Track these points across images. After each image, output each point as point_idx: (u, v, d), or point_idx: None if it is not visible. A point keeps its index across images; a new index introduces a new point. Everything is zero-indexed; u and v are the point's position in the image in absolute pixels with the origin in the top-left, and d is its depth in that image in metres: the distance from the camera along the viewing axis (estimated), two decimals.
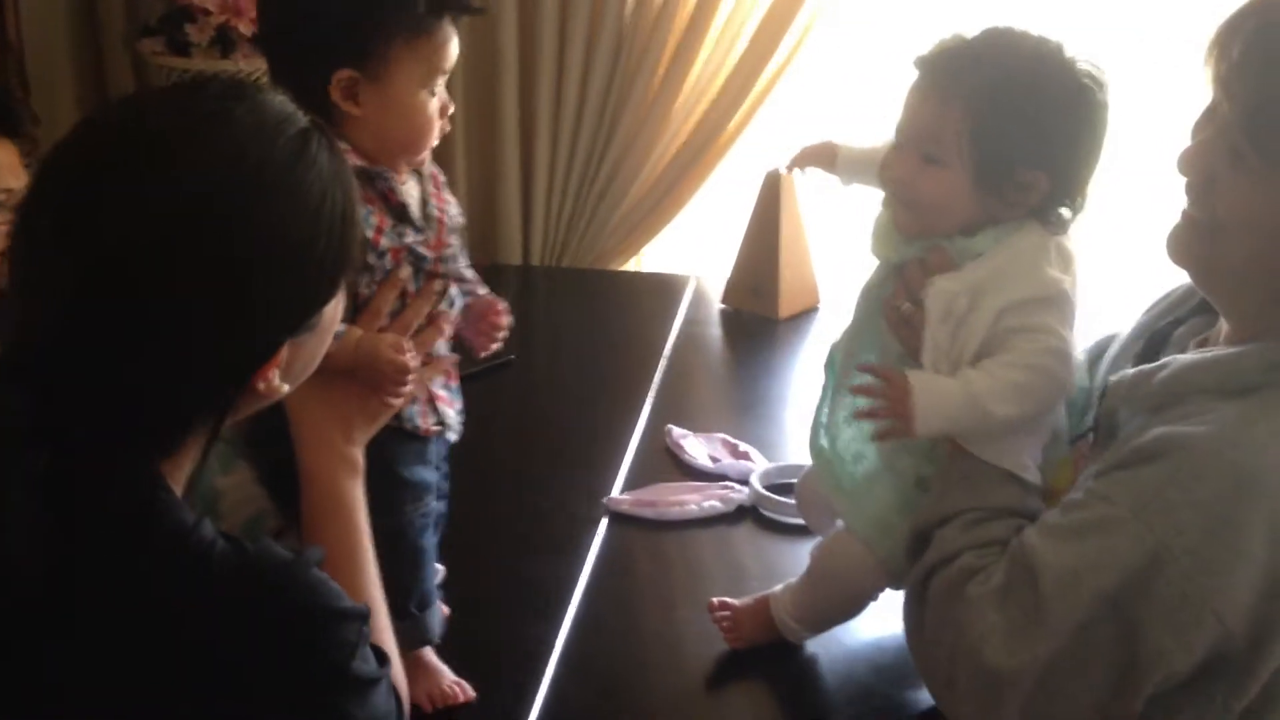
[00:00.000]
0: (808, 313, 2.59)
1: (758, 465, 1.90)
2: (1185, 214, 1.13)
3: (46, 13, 2.75)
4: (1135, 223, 2.09)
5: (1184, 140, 1.12)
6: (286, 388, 0.97)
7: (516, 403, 2.21)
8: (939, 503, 1.25)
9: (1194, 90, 1.10)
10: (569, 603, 1.59)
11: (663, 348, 2.40)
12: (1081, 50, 1.23)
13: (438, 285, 1.28)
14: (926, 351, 1.26)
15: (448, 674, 1.39)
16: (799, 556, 1.53)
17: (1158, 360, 1.24)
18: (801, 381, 2.30)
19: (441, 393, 1.35)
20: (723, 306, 2.62)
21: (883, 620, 1.50)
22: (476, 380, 2.16)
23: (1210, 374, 1.08)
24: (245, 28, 2.53)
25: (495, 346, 1.45)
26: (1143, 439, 1.07)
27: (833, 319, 2.54)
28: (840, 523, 1.44)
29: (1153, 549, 1.02)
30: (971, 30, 1.25)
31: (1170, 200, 1.15)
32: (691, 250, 3.01)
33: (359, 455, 1.24)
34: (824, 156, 1.47)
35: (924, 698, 1.36)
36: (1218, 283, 1.14)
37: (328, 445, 1.23)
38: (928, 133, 1.24)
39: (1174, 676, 1.03)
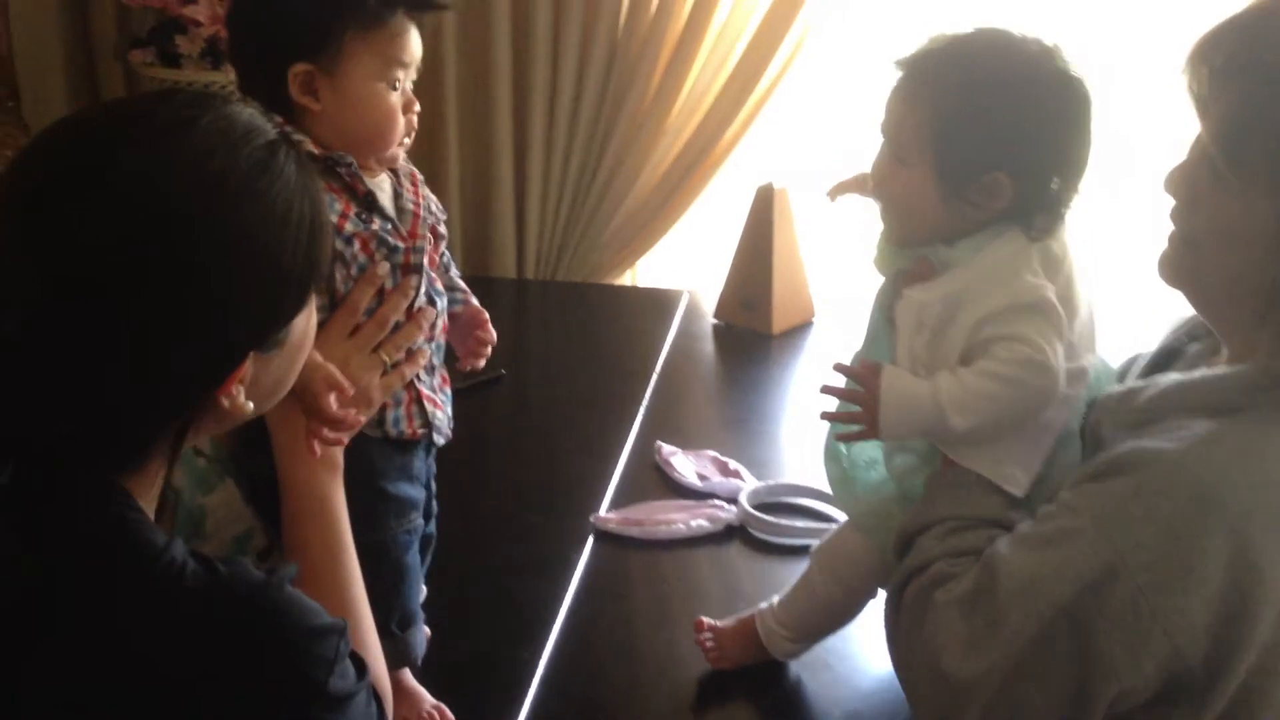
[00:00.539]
0: (801, 327, 2.57)
1: (747, 484, 1.88)
2: (1171, 236, 1.12)
3: (37, 22, 2.73)
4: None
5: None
6: (251, 406, 0.95)
7: (506, 418, 2.19)
8: (924, 509, 1.23)
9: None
10: (553, 623, 1.57)
11: (655, 363, 2.39)
12: (1070, 52, 1.20)
13: (414, 281, 1.27)
14: (903, 363, 1.24)
15: (427, 698, 1.37)
16: (787, 576, 1.51)
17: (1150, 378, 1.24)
18: (794, 398, 2.28)
19: (428, 392, 1.32)
20: (716, 321, 2.60)
21: (869, 644, 1.48)
22: (467, 395, 2.15)
23: (1192, 393, 1.07)
24: None
25: (480, 362, 1.44)
26: (1115, 452, 1.06)
27: (827, 333, 2.53)
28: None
29: (1109, 561, 1.01)
30: (959, 31, 1.23)
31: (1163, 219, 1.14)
32: (687, 264, 3.00)
33: (338, 454, 1.22)
34: (862, 185, 1.45)
35: None
36: (1207, 303, 1.13)
37: (305, 444, 1.21)
38: (896, 133, 1.24)
39: (1130, 695, 1.02)
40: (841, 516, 1.45)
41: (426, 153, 2.91)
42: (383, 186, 1.27)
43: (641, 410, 2.18)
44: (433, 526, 1.43)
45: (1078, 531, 1.03)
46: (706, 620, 1.49)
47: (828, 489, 1.45)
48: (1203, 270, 1.09)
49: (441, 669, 1.40)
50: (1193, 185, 1.08)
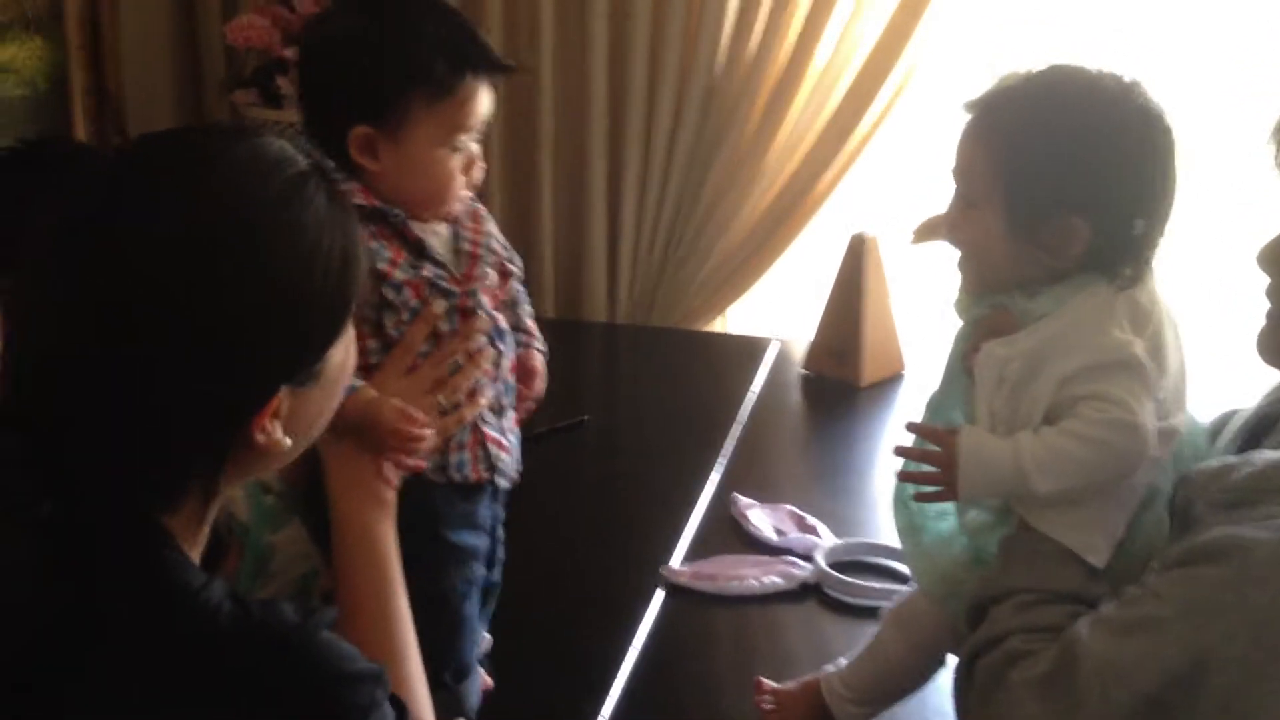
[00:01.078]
0: (891, 380, 2.51)
1: (824, 541, 1.83)
2: (1270, 313, 1.06)
3: (148, 62, 2.82)
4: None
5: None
6: (289, 442, 0.94)
7: (584, 463, 2.17)
8: (999, 576, 1.18)
9: None
10: (616, 677, 1.53)
11: (738, 412, 2.34)
12: (1150, 88, 1.15)
13: (476, 324, 1.25)
14: (982, 420, 1.19)
15: None
16: (860, 638, 1.45)
17: (1259, 446, 1.16)
18: (880, 452, 2.22)
19: (494, 434, 1.30)
20: (804, 371, 2.56)
21: (937, 713, 1.41)
22: (547, 439, 2.14)
23: None
24: None
25: (522, 417, 1.41)
26: (1206, 536, 1.00)
27: (918, 387, 2.46)
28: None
29: (1197, 654, 0.96)
30: (1032, 70, 1.19)
31: None
32: (780, 312, 2.96)
33: (391, 494, 1.22)
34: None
35: None
36: None
37: (359, 483, 1.21)
38: (965, 174, 1.20)
39: None
40: None
41: (520, 194, 2.93)
42: (438, 231, 1.26)
43: (721, 461, 2.14)
44: (498, 574, 1.41)
45: (1164, 620, 0.99)
46: (767, 682, 1.44)
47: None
48: None
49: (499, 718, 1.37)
50: None
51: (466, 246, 1.27)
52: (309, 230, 0.90)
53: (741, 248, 2.83)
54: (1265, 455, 1.05)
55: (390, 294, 1.20)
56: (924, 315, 2.60)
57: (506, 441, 1.32)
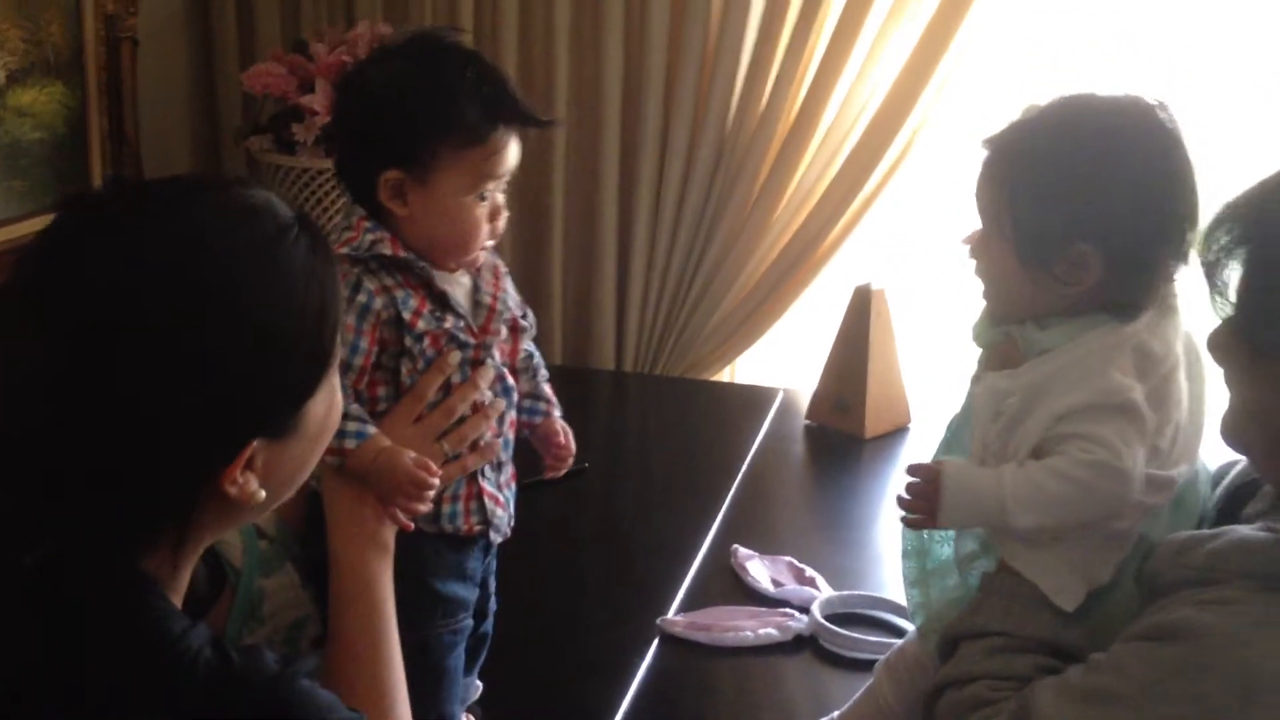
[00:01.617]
0: (896, 433, 2.50)
1: (822, 592, 1.82)
2: (1229, 399, 1.07)
3: (166, 107, 2.86)
4: None
5: None
6: (263, 495, 0.93)
7: (584, 511, 2.17)
8: (974, 614, 1.17)
9: None
10: None
11: (741, 462, 2.34)
12: (1170, 112, 1.14)
13: (486, 374, 1.26)
14: (975, 450, 1.19)
15: None
16: (854, 691, 1.46)
17: (1240, 511, 1.16)
18: (883, 506, 2.21)
19: (490, 489, 1.31)
20: (809, 422, 2.55)
21: None
22: (548, 487, 2.14)
23: (1250, 559, 0.99)
24: None
25: (562, 471, 1.45)
26: (1169, 615, 1.00)
27: (923, 440, 2.46)
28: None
29: None
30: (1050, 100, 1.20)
31: None
32: (788, 362, 2.97)
33: (390, 537, 1.22)
34: None
35: None
36: (1256, 467, 1.09)
37: (358, 523, 1.21)
38: (983, 209, 1.21)
39: None
40: None
41: (531, 240, 2.95)
42: (460, 282, 1.28)
43: (722, 511, 2.13)
44: (489, 625, 1.41)
45: (1121, 696, 0.98)
46: None
47: (904, 601, 1.38)
48: (1245, 437, 1.04)
49: None
50: (1226, 352, 1.03)
51: (486, 300, 1.29)
52: (287, 280, 0.90)
53: (749, 299, 2.84)
54: (1234, 532, 1.03)
55: (410, 343, 1.21)
56: (932, 368, 2.60)
57: (502, 496, 1.32)
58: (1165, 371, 1.16)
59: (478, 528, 1.30)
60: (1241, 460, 1.25)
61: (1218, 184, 1.13)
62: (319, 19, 2.92)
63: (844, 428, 2.47)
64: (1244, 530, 1.03)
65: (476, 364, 1.26)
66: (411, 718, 1.18)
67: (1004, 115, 1.23)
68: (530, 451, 1.44)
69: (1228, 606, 0.96)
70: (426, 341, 1.22)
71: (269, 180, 2.62)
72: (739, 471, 2.30)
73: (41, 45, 2.38)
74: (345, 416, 1.09)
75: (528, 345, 1.38)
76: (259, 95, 2.68)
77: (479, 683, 1.49)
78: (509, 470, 1.35)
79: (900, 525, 1.31)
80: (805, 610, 1.76)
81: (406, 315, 1.21)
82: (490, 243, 1.29)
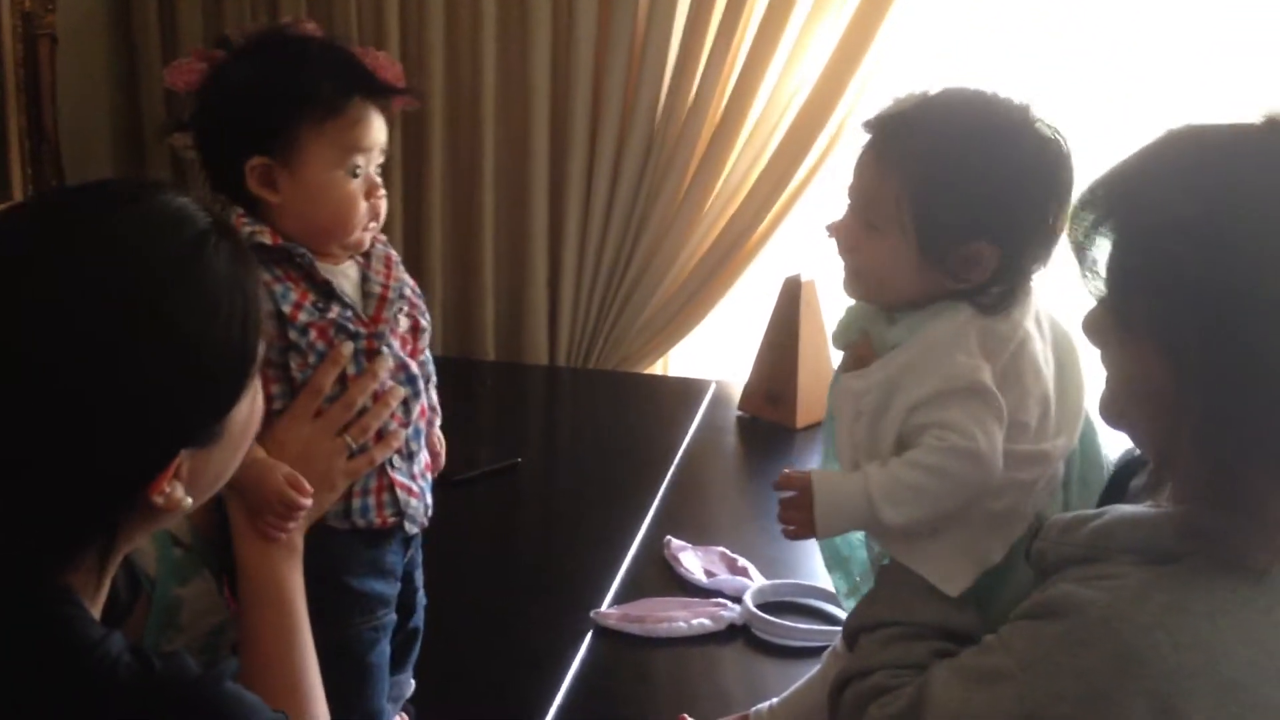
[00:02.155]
0: None
1: (754, 582, 1.84)
2: (1106, 379, 1.08)
3: (87, 105, 2.82)
4: None
5: None
6: (189, 501, 0.93)
7: (516, 506, 2.17)
8: (869, 606, 1.19)
9: None
10: None
11: (674, 454, 2.35)
12: (1043, 111, 1.16)
13: (382, 364, 1.24)
14: (844, 452, 1.20)
15: None
16: (787, 678, 1.47)
17: (1126, 488, 1.19)
18: None
19: (403, 479, 1.29)
20: (740, 413, 2.57)
21: None
22: (480, 482, 2.14)
23: (1135, 534, 1.01)
24: None
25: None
26: (1051, 592, 1.01)
27: None
28: None
29: (1031, 710, 0.97)
30: (932, 89, 1.18)
31: None
32: (719, 354, 2.99)
33: (298, 539, 1.20)
34: None
35: None
36: (1137, 444, 1.10)
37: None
38: (869, 200, 1.18)
39: None
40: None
41: (462, 238, 2.94)
42: (346, 273, 1.26)
43: (655, 503, 2.14)
44: (418, 619, 1.40)
45: (1006, 674, 1.00)
46: None
47: (833, 588, 1.40)
48: (1125, 415, 1.05)
49: None
50: (1101, 333, 1.04)
51: (376, 289, 1.26)
52: (208, 292, 0.89)
53: (681, 291, 2.85)
54: (1117, 510, 1.05)
55: (295, 336, 1.19)
56: None
57: (416, 486, 1.31)
58: (1014, 348, 1.17)
59: (391, 520, 1.28)
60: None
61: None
62: (242, 15, 2.89)
63: (776, 418, 2.49)
64: (1127, 508, 1.05)
65: (371, 354, 1.24)
66: (332, 717, 1.17)
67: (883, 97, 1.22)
68: (463, 445, 1.44)
69: (1107, 581, 0.98)
70: (313, 334, 1.20)
71: (193, 177, 2.58)
72: (672, 463, 2.31)
73: None
74: None
75: (424, 347, 1.36)
76: (181, 92, 2.63)
77: (411, 680, 1.48)
78: (423, 459, 1.33)
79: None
80: (738, 600, 1.78)
81: (286, 308, 1.19)
82: (374, 225, 1.27)
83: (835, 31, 2.61)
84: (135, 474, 0.89)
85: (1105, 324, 1.03)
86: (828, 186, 2.72)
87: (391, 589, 1.30)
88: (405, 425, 1.28)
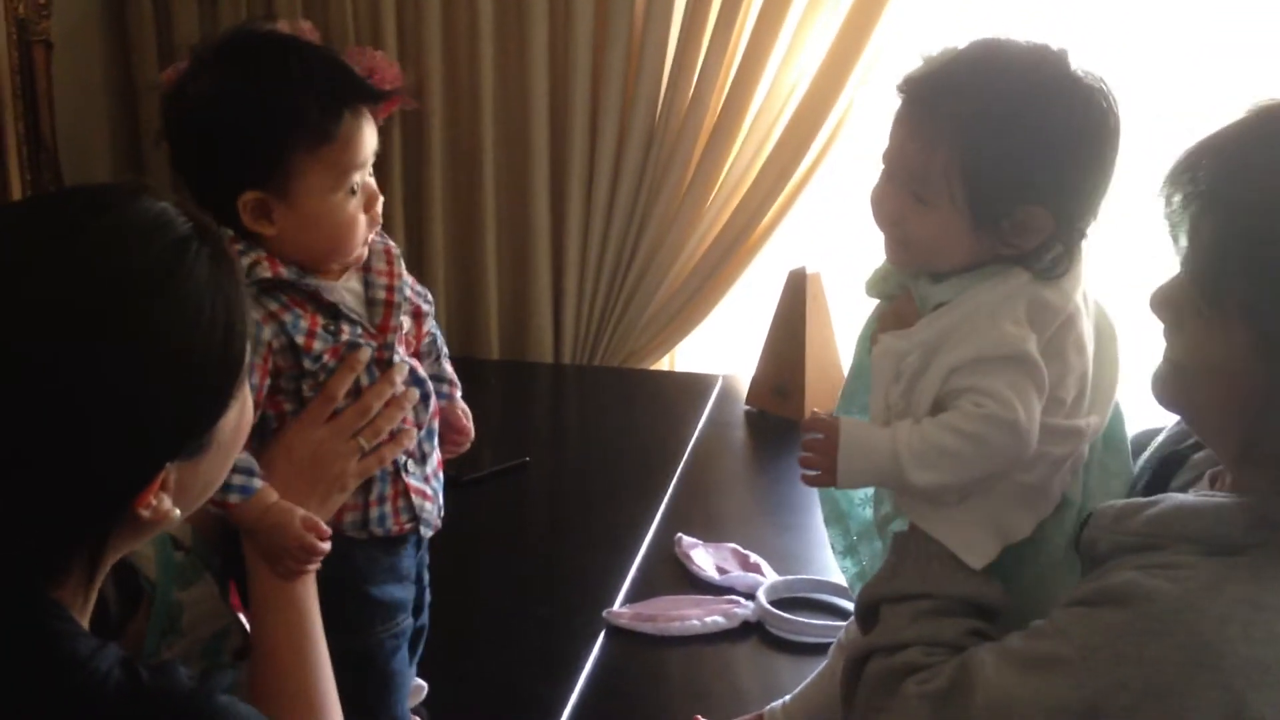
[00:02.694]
0: None
1: (767, 578, 1.82)
2: (1165, 353, 1.06)
3: (83, 110, 2.80)
4: None
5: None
6: (177, 513, 0.91)
7: (526, 505, 2.16)
8: (892, 577, 1.16)
9: None
10: None
11: (683, 450, 2.34)
12: (1085, 61, 1.11)
13: (397, 375, 1.23)
14: (875, 413, 1.17)
15: None
16: (802, 676, 1.46)
17: (1167, 484, 1.16)
18: None
19: (416, 484, 1.28)
20: (748, 408, 2.56)
21: None
22: (489, 482, 2.13)
23: (1195, 523, 0.99)
24: None
25: (461, 452, 1.41)
26: (1111, 579, 0.99)
27: None
28: None
29: (1090, 699, 0.95)
30: (961, 43, 1.13)
31: None
32: (726, 349, 2.97)
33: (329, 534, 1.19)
34: None
35: None
36: (1201, 427, 1.07)
37: None
38: (915, 172, 1.13)
39: None
40: None
41: (464, 235, 2.92)
42: (348, 286, 1.24)
43: (665, 500, 2.13)
44: (425, 618, 1.39)
45: (1064, 660, 0.97)
46: None
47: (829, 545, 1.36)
48: (1192, 396, 1.03)
49: None
50: (1176, 309, 1.02)
51: (381, 294, 1.24)
52: (188, 301, 0.87)
53: (685, 286, 2.84)
54: (1172, 499, 1.04)
55: (309, 364, 1.17)
56: None
57: (429, 489, 1.30)
58: (1062, 320, 1.14)
59: (408, 525, 1.27)
60: (1162, 431, 1.26)
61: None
62: (238, 16, 2.87)
63: (783, 412, 2.48)
64: (1182, 496, 1.04)
65: (382, 364, 1.22)
66: None
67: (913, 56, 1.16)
68: (471, 444, 1.43)
69: (1173, 571, 0.96)
70: (326, 358, 1.18)
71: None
72: (681, 460, 2.30)
73: None
74: (232, 469, 1.02)
75: (430, 326, 1.35)
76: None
77: (422, 683, 1.47)
78: (435, 460, 1.32)
79: (818, 492, 1.30)
80: (751, 596, 1.76)
81: (300, 339, 1.16)
82: (373, 235, 1.24)
83: (835, 21, 2.59)
84: (121, 488, 0.87)
85: (1183, 299, 1.00)
86: (832, 178, 2.71)
87: (409, 593, 1.30)
88: (419, 427, 1.26)
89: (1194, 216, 0.97)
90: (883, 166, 1.17)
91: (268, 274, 1.15)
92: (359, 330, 1.21)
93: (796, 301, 2.43)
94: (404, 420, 1.24)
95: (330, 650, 1.17)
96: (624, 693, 1.61)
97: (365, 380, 1.21)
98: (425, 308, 1.32)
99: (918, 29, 2.60)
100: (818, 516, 2.05)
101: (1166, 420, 1.25)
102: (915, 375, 1.14)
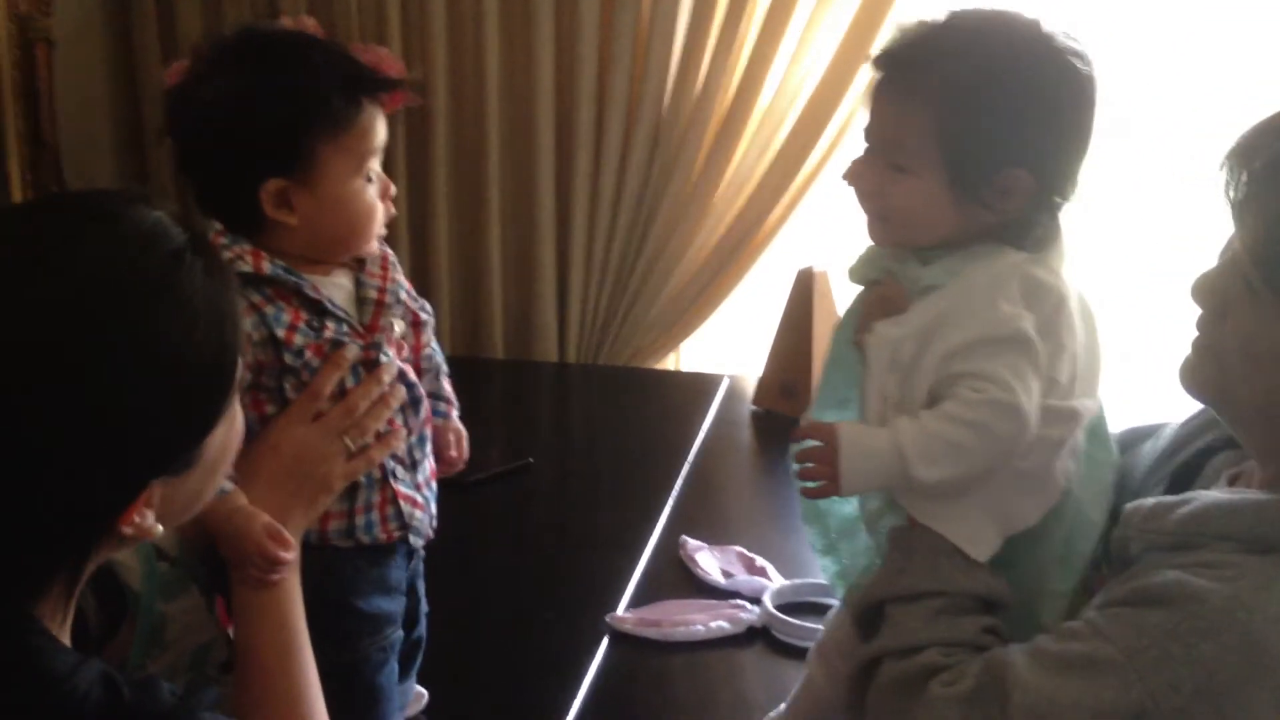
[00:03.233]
0: None
1: (773, 582, 1.80)
2: (1195, 342, 1.03)
3: (85, 108, 2.78)
4: None
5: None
6: (160, 529, 0.89)
7: (529, 508, 2.13)
8: (898, 576, 1.12)
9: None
10: None
11: (688, 451, 2.32)
12: (1060, 25, 1.10)
13: (384, 373, 1.21)
14: (871, 405, 1.13)
15: None
16: None
17: (1199, 474, 1.13)
18: None
19: (406, 491, 1.25)
20: (754, 408, 2.53)
21: None
22: (491, 484, 2.11)
23: (1233, 521, 0.96)
24: None
25: (453, 473, 1.38)
26: (1153, 579, 0.96)
27: None
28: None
29: (1139, 701, 0.92)
30: (937, 13, 1.12)
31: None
32: (732, 348, 2.95)
33: (294, 543, 1.16)
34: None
35: None
36: (1238, 422, 1.04)
37: None
38: (893, 139, 1.11)
39: None
40: None
41: (469, 236, 2.91)
42: (338, 283, 1.22)
43: (670, 502, 2.11)
44: (421, 630, 1.36)
45: (1107, 662, 0.94)
46: None
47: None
48: (1231, 387, 1.00)
49: None
50: (1223, 295, 0.99)
51: (372, 294, 1.23)
52: (185, 315, 0.85)
53: (691, 285, 2.82)
54: (1205, 496, 1.01)
55: (291, 360, 1.15)
56: None
57: (420, 497, 1.27)
58: (1055, 300, 1.11)
59: (396, 534, 1.24)
60: (1156, 433, 1.23)
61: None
62: (241, 13, 2.85)
63: (791, 412, 2.45)
64: (1216, 494, 1.01)
65: (369, 364, 1.20)
66: None
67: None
68: (474, 446, 1.41)
69: (1218, 570, 0.94)
70: (309, 354, 1.16)
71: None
72: (686, 460, 2.28)
73: None
74: None
75: (429, 340, 1.33)
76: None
77: (423, 690, 1.45)
78: (427, 468, 1.30)
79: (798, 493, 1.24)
80: (757, 601, 1.74)
81: (281, 332, 1.15)
82: (381, 226, 1.24)
83: (844, 19, 2.56)
84: (105, 505, 0.85)
85: (1233, 284, 0.97)
86: (839, 176, 2.67)
87: (397, 606, 1.27)
88: (410, 432, 1.24)
89: (1260, 194, 0.94)
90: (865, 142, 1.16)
91: (249, 269, 1.15)
92: (344, 328, 1.19)
93: (804, 300, 2.41)
94: (391, 422, 1.22)
95: (315, 664, 1.14)
96: (628, 699, 1.59)
97: (351, 380, 1.19)
98: (424, 317, 1.30)
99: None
100: None
101: (1145, 418, 1.25)
102: (912, 364, 1.11)
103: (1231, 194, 0.96)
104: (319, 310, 1.18)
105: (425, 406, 1.27)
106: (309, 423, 1.17)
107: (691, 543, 1.91)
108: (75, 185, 2.70)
